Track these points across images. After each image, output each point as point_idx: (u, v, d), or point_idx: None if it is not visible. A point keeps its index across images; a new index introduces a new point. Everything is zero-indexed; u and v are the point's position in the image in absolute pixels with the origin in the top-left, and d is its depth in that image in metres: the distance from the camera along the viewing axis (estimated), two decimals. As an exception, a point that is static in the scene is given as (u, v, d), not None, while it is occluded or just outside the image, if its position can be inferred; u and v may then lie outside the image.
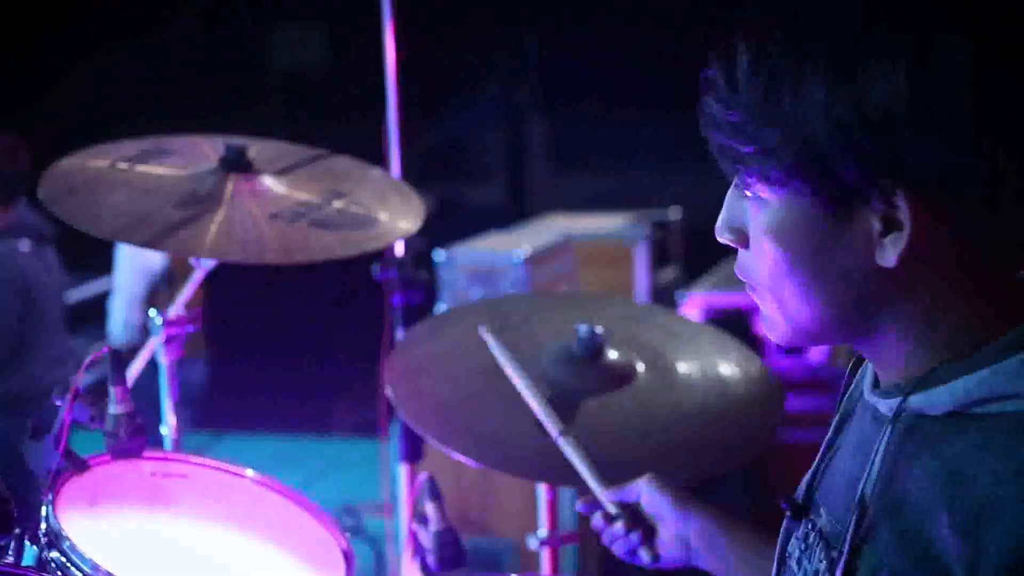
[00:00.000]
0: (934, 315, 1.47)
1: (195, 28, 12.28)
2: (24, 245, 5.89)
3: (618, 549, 2.26)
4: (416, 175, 3.47)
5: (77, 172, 2.81)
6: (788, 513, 1.63)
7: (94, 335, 7.39)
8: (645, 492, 2.22)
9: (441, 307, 5.45)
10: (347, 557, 2.49)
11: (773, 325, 1.57)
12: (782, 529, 1.67)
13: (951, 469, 1.40)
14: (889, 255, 1.43)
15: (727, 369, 2.76)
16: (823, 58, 1.40)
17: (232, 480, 2.67)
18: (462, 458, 2.58)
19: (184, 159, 2.91)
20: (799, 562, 1.61)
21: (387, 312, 3.46)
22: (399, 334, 3.41)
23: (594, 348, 2.70)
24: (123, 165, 2.84)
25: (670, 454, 2.59)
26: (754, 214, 1.52)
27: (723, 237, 1.58)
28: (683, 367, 2.77)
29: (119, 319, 6.92)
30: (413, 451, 3.41)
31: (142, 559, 2.44)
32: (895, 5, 1.41)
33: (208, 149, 2.96)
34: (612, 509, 2.25)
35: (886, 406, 1.51)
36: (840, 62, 1.39)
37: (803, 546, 1.60)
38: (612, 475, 2.37)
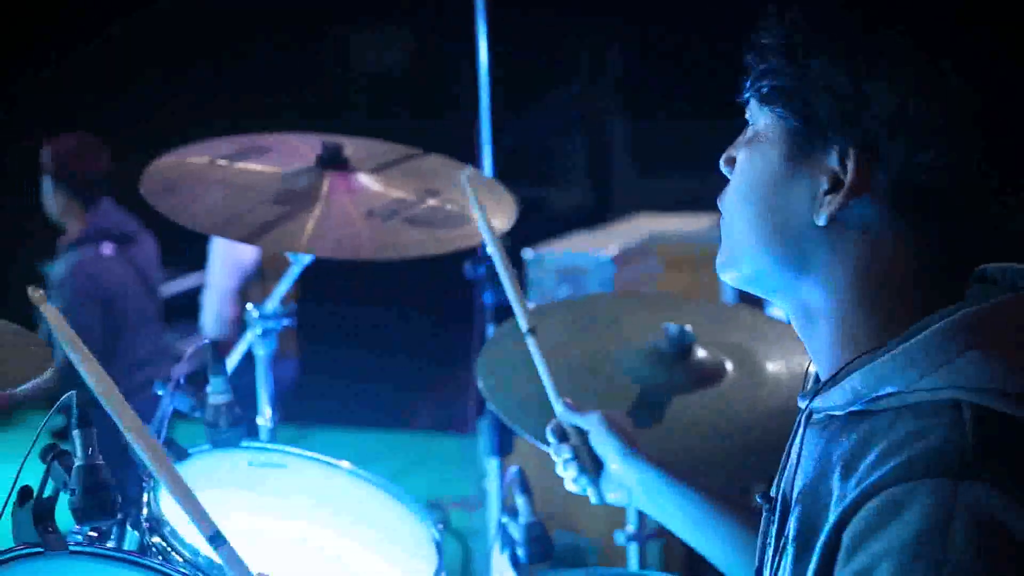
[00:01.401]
0: (853, 300, 1.54)
1: (283, 31, 12.35)
2: (107, 248, 5.91)
3: (565, 472, 2.36)
4: (499, 176, 3.50)
5: (176, 169, 2.86)
6: (765, 506, 1.68)
7: (187, 329, 7.48)
8: (594, 430, 2.30)
9: (529, 306, 5.47)
10: (439, 548, 2.53)
11: (722, 256, 1.69)
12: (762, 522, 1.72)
13: (844, 464, 1.47)
14: (824, 211, 1.52)
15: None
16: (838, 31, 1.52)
17: (328, 471, 2.71)
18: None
19: (280, 157, 2.95)
20: (763, 553, 1.67)
21: (478, 309, 3.48)
22: (489, 331, 3.44)
23: (684, 347, 2.72)
24: (221, 162, 2.89)
25: (756, 452, 2.60)
26: (742, 141, 1.65)
27: (723, 165, 1.70)
28: (771, 367, 2.78)
29: (212, 313, 7.01)
30: (502, 445, 3.44)
31: (239, 546, 2.48)
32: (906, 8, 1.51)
33: (303, 147, 3.00)
34: (567, 426, 2.32)
35: (802, 406, 1.61)
36: (850, 43, 1.50)
37: (767, 539, 1.66)
38: (697, 472, 2.39)
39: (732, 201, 1.66)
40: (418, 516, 2.62)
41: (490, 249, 2.53)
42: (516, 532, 2.52)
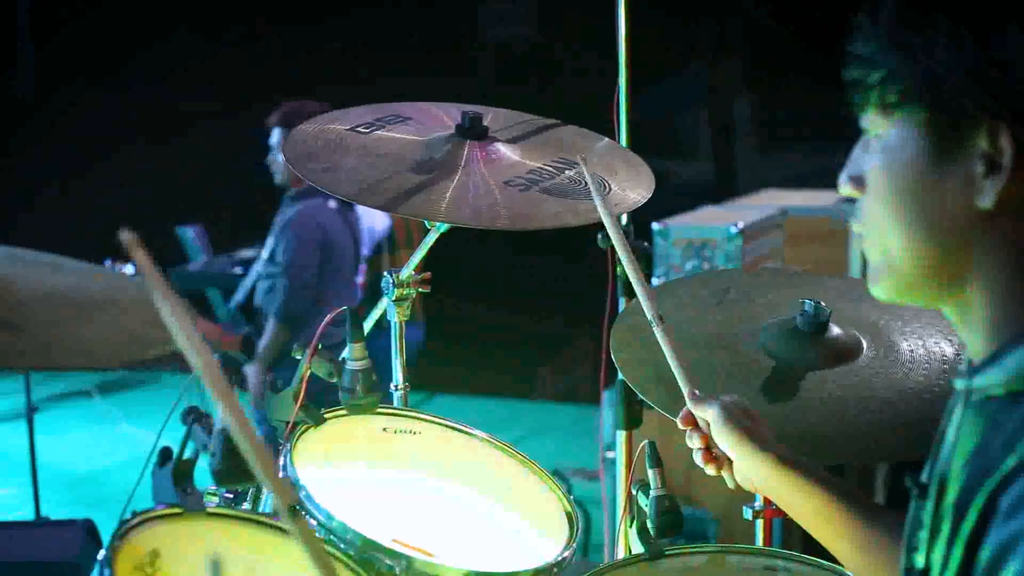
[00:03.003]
0: (1012, 282, 1.51)
1: (409, 2, 12.43)
2: (332, 202, 6.33)
3: (696, 458, 2.32)
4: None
5: (318, 135, 2.89)
6: (914, 492, 1.66)
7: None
8: (713, 424, 2.25)
9: (656, 280, 5.47)
10: (570, 519, 2.54)
11: (876, 275, 1.63)
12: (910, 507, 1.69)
13: (1005, 441, 1.44)
14: (987, 195, 1.48)
15: (952, 348, 2.74)
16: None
17: (462, 438, 2.74)
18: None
19: (419, 126, 2.96)
20: (913, 539, 1.64)
21: (611, 280, 3.48)
22: (620, 302, 3.43)
23: (819, 323, 2.70)
24: (362, 129, 2.91)
25: (891, 430, 2.58)
26: (872, 155, 1.60)
27: (844, 188, 1.66)
28: (905, 345, 2.76)
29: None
30: (632, 418, 3.43)
31: (372, 510, 2.51)
32: None
33: (441, 117, 3.01)
34: (699, 416, 2.30)
35: (961, 387, 1.57)
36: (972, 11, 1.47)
37: (918, 524, 1.63)
38: (832, 449, 2.38)
39: (878, 217, 1.60)
40: (550, 486, 2.64)
41: (612, 236, 2.52)
42: (646, 504, 2.52)
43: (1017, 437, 1.43)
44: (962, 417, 1.56)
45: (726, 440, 2.23)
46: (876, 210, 1.61)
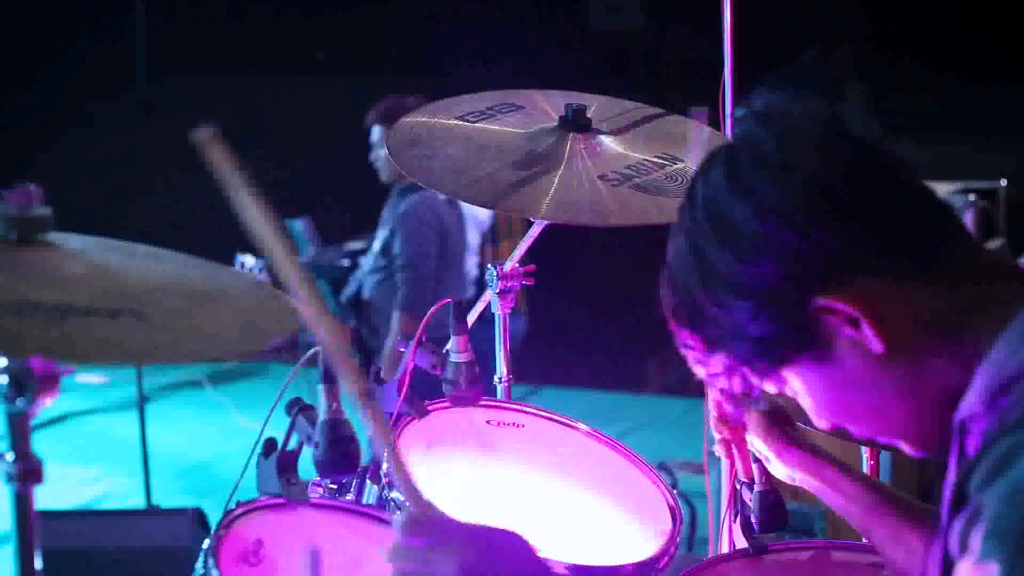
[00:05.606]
0: (953, 348, 1.56)
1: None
2: (440, 194, 6.22)
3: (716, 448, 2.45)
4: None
5: (422, 125, 2.88)
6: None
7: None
8: (752, 429, 2.34)
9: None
10: (673, 513, 2.53)
11: (910, 451, 1.69)
12: None
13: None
14: (873, 343, 1.55)
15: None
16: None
17: (564, 431, 2.73)
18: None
19: (526, 115, 2.94)
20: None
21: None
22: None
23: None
24: (470, 119, 2.90)
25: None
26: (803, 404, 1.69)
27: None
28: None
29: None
30: (735, 412, 3.40)
31: (474, 503, 2.51)
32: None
33: (547, 105, 2.98)
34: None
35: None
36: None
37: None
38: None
39: (859, 426, 1.68)
40: (653, 480, 2.62)
41: None
42: (750, 500, 2.51)
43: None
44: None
45: (763, 447, 2.33)
46: (852, 431, 1.69)
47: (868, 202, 1.57)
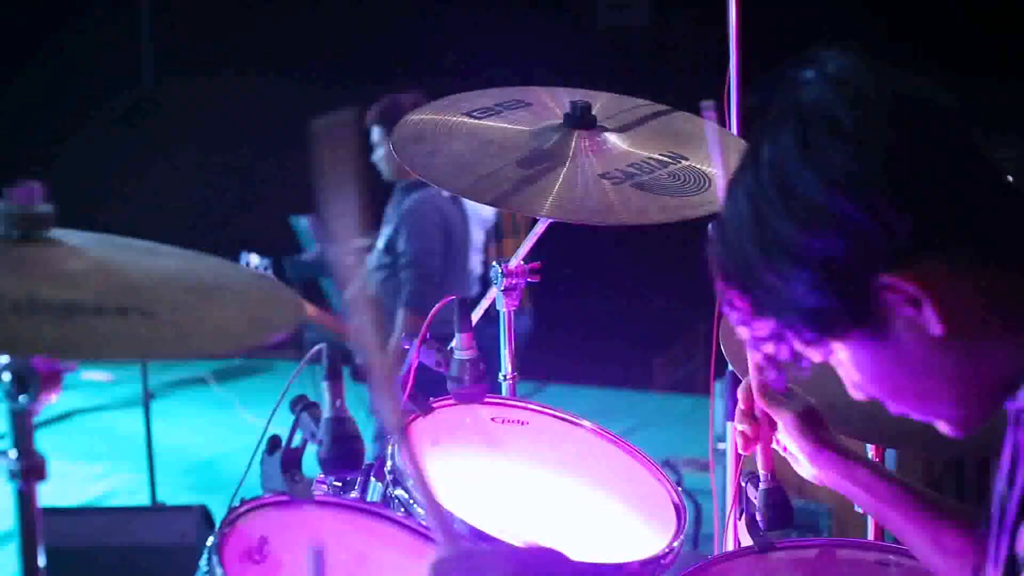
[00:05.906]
0: (1013, 336, 1.56)
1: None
2: (444, 192, 6.26)
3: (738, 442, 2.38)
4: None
5: (428, 122, 2.87)
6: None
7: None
8: (783, 431, 2.28)
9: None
10: (678, 510, 2.52)
11: (947, 430, 1.68)
12: None
13: None
14: (933, 325, 1.53)
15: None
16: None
17: (569, 429, 2.73)
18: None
19: (532, 112, 2.93)
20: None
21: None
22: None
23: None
24: (476, 115, 2.89)
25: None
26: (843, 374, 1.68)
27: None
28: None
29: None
30: (742, 409, 3.39)
31: (479, 500, 2.51)
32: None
33: (552, 103, 2.97)
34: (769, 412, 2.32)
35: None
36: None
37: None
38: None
39: (906, 407, 1.68)
40: (658, 477, 2.62)
41: None
42: (755, 497, 2.50)
43: None
44: (1012, 441, 1.59)
45: (796, 449, 2.27)
46: (898, 409, 1.69)
47: (941, 183, 1.54)
